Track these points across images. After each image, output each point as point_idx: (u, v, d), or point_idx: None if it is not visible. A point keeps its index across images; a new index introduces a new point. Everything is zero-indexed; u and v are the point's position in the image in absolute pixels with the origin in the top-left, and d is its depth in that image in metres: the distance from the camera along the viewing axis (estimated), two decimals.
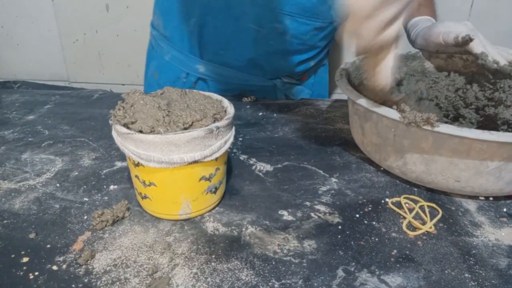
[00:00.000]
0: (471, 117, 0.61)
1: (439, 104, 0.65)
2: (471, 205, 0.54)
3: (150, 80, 0.95)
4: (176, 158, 0.44)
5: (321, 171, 0.60)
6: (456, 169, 0.50)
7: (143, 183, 0.47)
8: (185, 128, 0.44)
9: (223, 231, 0.48)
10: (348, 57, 0.96)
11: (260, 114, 0.78)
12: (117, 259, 0.44)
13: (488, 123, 0.60)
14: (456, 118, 0.64)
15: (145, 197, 0.49)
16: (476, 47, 0.59)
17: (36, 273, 0.42)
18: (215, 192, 0.50)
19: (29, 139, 0.68)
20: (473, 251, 0.46)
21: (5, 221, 0.49)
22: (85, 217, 0.50)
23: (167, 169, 0.45)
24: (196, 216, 0.50)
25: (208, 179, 0.48)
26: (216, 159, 0.47)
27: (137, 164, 0.46)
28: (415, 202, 0.54)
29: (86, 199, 0.54)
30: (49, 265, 0.43)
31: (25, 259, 0.44)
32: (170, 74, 0.91)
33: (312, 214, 0.51)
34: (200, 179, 0.47)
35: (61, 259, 0.44)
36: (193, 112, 0.46)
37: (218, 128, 0.45)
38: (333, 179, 0.58)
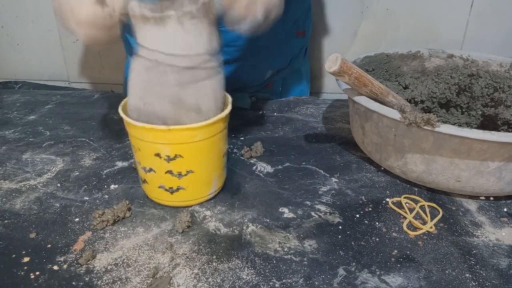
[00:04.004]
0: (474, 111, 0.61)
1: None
2: (471, 205, 0.54)
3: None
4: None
5: (321, 171, 0.60)
6: (457, 169, 0.50)
7: (179, 175, 0.49)
8: None
9: (224, 231, 0.48)
10: (349, 56, 0.96)
11: (260, 113, 0.78)
12: (118, 259, 0.44)
13: (488, 123, 0.61)
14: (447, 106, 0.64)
15: (177, 190, 0.50)
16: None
17: (37, 273, 0.42)
18: (225, 166, 0.55)
19: (30, 139, 0.68)
20: (474, 251, 0.46)
21: (5, 221, 0.49)
22: (86, 217, 0.50)
23: (204, 154, 0.49)
24: (218, 192, 0.54)
25: (226, 154, 0.54)
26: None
27: (173, 158, 0.47)
28: (416, 202, 0.54)
29: (86, 198, 0.54)
30: (50, 265, 0.43)
31: (26, 259, 0.44)
32: None
33: (313, 213, 0.51)
34: (224, 155, 0.52)
35: (61, 259, 0.44)
36: None
37: None
38: (334, 179, 0.58)
